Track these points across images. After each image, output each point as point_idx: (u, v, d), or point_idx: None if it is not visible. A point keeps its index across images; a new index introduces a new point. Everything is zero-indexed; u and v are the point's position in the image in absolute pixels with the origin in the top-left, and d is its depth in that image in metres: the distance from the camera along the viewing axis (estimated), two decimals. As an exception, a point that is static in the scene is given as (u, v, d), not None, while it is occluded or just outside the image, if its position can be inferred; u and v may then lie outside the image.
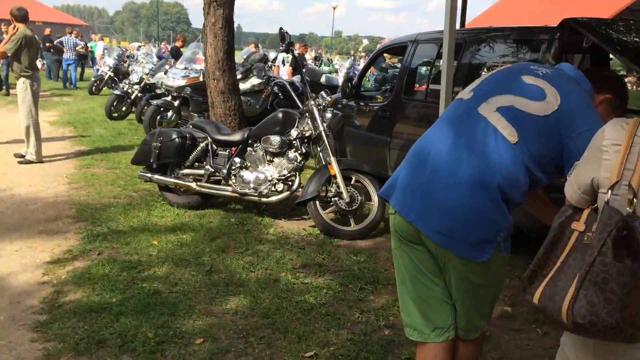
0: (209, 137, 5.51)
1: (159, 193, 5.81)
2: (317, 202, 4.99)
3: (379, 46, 6.74)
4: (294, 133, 5.22)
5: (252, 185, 5.24)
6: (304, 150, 5.23)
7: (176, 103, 9.45)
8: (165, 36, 46.72)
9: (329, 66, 23.92)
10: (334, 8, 41.92)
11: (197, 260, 4.31)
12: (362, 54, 34.97)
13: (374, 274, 4.18)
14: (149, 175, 5.58)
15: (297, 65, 5.34)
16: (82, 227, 4.95)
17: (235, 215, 5.47)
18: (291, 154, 5.22)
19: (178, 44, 15.51)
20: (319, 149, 5.28)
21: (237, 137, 5.45)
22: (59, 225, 5.03)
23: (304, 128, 5.24)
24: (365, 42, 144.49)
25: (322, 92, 5.28)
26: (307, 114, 5.26)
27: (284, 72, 13.04)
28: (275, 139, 5.18)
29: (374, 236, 5.06)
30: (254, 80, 8.19)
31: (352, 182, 5.15)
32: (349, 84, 6.81)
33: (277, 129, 5.25)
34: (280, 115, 5.28)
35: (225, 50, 6.94)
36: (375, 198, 5.08)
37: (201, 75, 9.44)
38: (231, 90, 7.09)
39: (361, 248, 4.77)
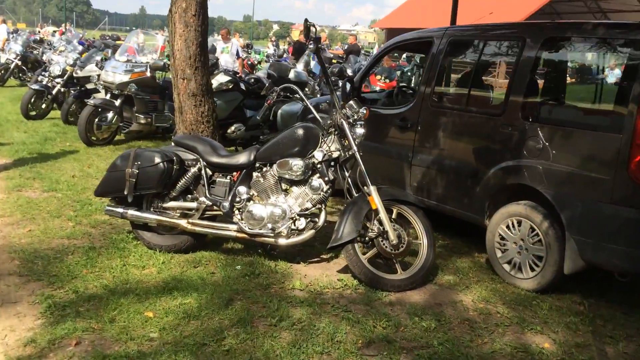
0: (201, 160, 4.23)
1: (131, 231, 4.46)
2: (356, 245, 3.88)
3: (385, 43, 5.58)
4: (318, 155, 4.06)
5: (266, 223, 4.04)
6: (330, 177, 4.08)
7: (118, 102, 7.94)
8: (63, 18, 42.50)
9: (259, 54, 22.51)
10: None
11: (219, 344, 3.08)
12: (274, 38, 33.81)
13: (458, 347, 3.17)
14: (121, 210, 4.23)
15: (322, 65, 4.11)
16: (38, 292, 3.54)
17: (238, 259, 4.24)
18: (315, 181, 4.06)
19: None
20: (347, 173, 4.13)
21: (240, 159, 4.20)
22: (0, 289, 3.60)
23: (329, 148, 4.09)
24: (276, 27, 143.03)
25: (352, 102, 4.14)
26: (332, 129, 4.12)
27: (229, 65, 11.62)
28: (297, 164, 4.00)
29: (425, 284, 4.03)
30: (221, 78, 6.87)
31: (393, 215, 4.07)
32: (349, 84, 5.69)
33: (297, 150, 4.07)
34: (301, 131, 4.09)
35: (199, 43, 5.61)
36: (424, 236, 4.03)
37: (148, 70, 7.97)
38: (204, 92, 5.77)
39: (421, 305, 3.71)
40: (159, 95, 8.31)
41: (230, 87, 6.97)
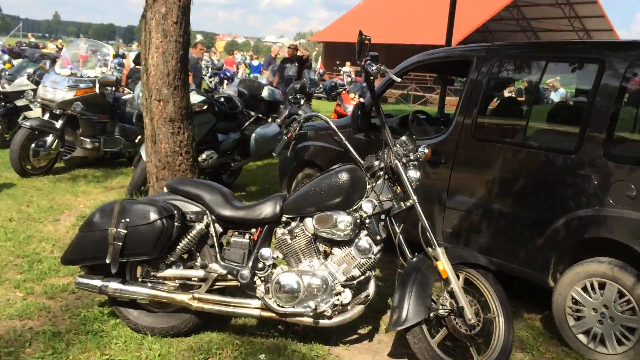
0: (209, 214, 3.20)
1: (108, 304, 3.36)
2: (424, 326, 2.98)
3: (403, 63, 4.72)
4: (366, 207, 3.11)
5: (301, 299, 3.06)
6: (382, 235, 3.16)
7: (59, 124, 6.67)
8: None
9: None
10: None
11: None
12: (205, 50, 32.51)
13: None
14: (99, 283, 3.12)
15: (369, 84, 3.14)
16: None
17: (259, 342, 3.23)
18: (363, 240, 3.12)
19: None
20: (398, 229, 3.21)
21: (262, 212, 3.20)
22: None
23: (379, 197, 3.17)
24: (199, 37, 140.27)
25: (404, 138, 3.23)
26: (381, 173, 3.20)
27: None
28: (344, 220, 3.05)
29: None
30: (194, 98, 5.78)
31: (460, 281, 3.20)
32: (360, 112, 4.79)
33: (339, 200, 3.11)
34: (345, 176, 3.14)
35: (180, 57, 4.55)
36: (499, 309, 3.18)
37: (96, 86, 6.75)
38: (184, 117, 4.71)
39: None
40: (109, 115, 7.10)
41: (204, 108, 5.90)
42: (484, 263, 3.24)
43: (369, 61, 2.96)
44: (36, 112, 7.19)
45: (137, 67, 9.15)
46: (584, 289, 3.50)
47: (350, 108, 9.37)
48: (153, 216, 3.00)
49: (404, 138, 3.25)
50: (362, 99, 9.58)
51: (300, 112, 10.75)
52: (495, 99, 4.74)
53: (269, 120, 7.49)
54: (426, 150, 3.19)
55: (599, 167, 3.47)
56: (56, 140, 6.62)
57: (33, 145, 6.48)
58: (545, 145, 3.77)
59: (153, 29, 4.43)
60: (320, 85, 20.71)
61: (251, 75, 23.78)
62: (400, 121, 5.28)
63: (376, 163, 3.24)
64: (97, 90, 6.76)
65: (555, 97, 23.23)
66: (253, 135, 6.82)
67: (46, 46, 28.52)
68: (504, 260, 3.96)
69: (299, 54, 13.69)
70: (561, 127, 4.30)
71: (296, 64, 11.79)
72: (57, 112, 6.63)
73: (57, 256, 4.20)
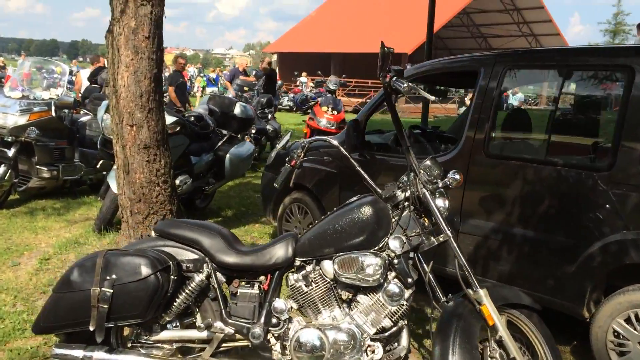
0: (209, 261, 2.71)
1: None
2: (471, 382, 2.56)
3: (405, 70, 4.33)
4: (395, 245, 2.67)
5: (327, 358, 2.60)
6: (414, 276, 2.72)
7: (11, 152, 6.01)
8: None
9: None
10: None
11: None
12: None
13: None
14: (81, 354, 2.58)
15: (389, 102, 2.69)
16: None
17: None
18: (392, 284, 2.67)
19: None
20: (428, 267, 2.79)
21: (273, 255, 2.73)
22: None
23: (406, 232, 2.73)
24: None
25: (428, 162, 2.81)
26: (406, 204, 2.77)
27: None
28: (372, 263, 2.60)
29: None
30: (166, 119, 5.23)
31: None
32: (354, 129, 4.37)
33: (363, 238, 2.67)
34: (369, 211, 2.69)
35: (154, 76, 4.04)
36: (547, 354, 2.79)
37: (53, 109, 6.13)
38: (159, 143, 4.21)
39: None
40: (67, 141, 6.46)
41: (177, 129, 5.37)
42: (528, 303, 2.84)
43: (394, 77, 2.52)
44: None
45: (92, 85, 8.51)
46: (628, 320, 3.16)
47: (324, 122, 8.94)
48: (145, 270, 2.49)
49: (428, 162, 2.82)
50: (335, 112, 9.21)
51: (268, 126, 10.29)
52: (508, 111, 4.40)
53: (244, 138, 7.01)
54: (457, 176, 2.77)
55: (637, 184, 3.15)
56: (9, 171, 5.95)
57: (-19, 177, 5.80)
58: (572, 162, 3.43)
59: (122, 45, 3.92)
60: (281, 98, 20.27)
61: (207, 90, 23.15)
62: (395, 137, 4.89)
63: (399, 193, 2.81)
64: (53, 113, 6.13)
65: (514, 101, 23.51)
66: (227, 155, 6.32)
67: (-14, 64, 27.12)
68: (532, 291, 3.60)
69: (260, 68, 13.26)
70: (589, 140, 3.98)
71: (263, 78, 11.38)
72: (9, 139, 5.96)
73: (20, 311, 3.63)
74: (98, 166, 6.81)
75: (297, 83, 26.53)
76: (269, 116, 10.47)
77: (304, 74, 26.42)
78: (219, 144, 6.53)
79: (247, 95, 10.93)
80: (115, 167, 5.43)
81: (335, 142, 3.18)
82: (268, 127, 10.14)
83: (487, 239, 3.78)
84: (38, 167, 6.16)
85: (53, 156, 6.29)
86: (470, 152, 3.82)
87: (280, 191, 5.16)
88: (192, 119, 6.25)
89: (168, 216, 4.39)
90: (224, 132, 6.69)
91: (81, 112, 7.76)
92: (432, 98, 2.48)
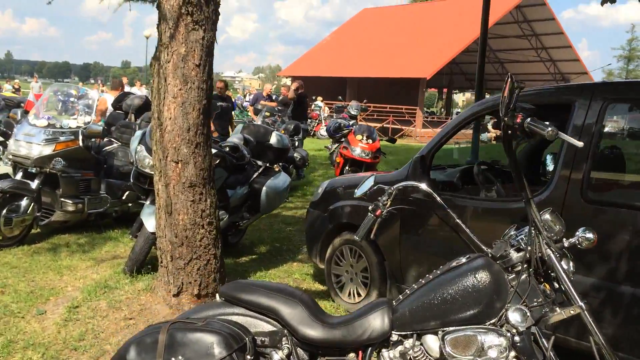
0: (288, 335, 2.25)
1: None
2: None
3: (473, 106, 3.88)
4: (516, 318, 2.19)
5: None
6: (539, 357, 2.24)
7: (34, 184, 5.61)
8: None
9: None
10: (147, 37, 37.01)
11: None
12: None
13: None
14: None
15: (509, 149, 2.22)
16: None
17: None
18: (511, 366, 2.21)
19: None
20: (548, 344, 2.31)
21: (367, 328, 2.26)
22: None
23: (526, 302, 2.26)
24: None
25: (549, 216, 2.35)
26: (525, 266, 2.31)
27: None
28: (495, 344, 2.13)
29: None
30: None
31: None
32: (420, 165, 3.93)
33: (477, 311, 2.20)
34: (486, 277, 2.22)
35: (203, 108, 3.63)
36: None
37: (80, 138, 5.74)
38: (206, 181, 3.78)
39: None
40: (94, 172, 6.06)
41: (217, 162, 4.96)
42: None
43: (528, 119, 2.08)
44: (5, 170, 6.11)
45: (117, 112, 8.14)
46: None
47: (359, 151, 8.52)
48: (218, 351, 2.03)
49: (548, 216, 2.37)
50: (370, 141, 8.78)
51: (295, 154, 9.89)
52: (610, 152, 3.95)
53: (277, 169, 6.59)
54: (591, 236, 2.31)
55: None
56: (32, 204, 5.54)
57: (4, 211, 5.37)
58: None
59: (170, 73, 3.51)
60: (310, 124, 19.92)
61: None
62: (462, 175, 4.44)
63: (513, 253, 2.34)
64: (80, 143, 5.74)
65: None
66: (264, 189, 5.90)
67: (2, 87, 27.11)
68: (638, 358, 3.11)
69: (283, 93, 12.90)
70: None
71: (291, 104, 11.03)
72: (33, 170, 5.57)
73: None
74: (124, 197, 6.42)
75: (313, 107, 26.22)
76: (297, 143, 10.07)
77: (319, 98, 26.14)
78: (254, 175, 6.12)
79: (268, 120, 10.55)
80: (147, 202, 5.04)
81: (426, 188, 2.73)
82: (295, 154, 9.73)
83: (585, 297, 3.29)
84: (62, 200, 5.75)
85: (79, 188, 5.89)
86: (564, 196, 3.35)
87: (329, 232, 4.72)
88: (228, 149, 5.84)
89: (212, 261, 3.94)
90: (259, 162, 6.28)
91: (104, 140, 7.39)
92: (580, 144, 2.02)
